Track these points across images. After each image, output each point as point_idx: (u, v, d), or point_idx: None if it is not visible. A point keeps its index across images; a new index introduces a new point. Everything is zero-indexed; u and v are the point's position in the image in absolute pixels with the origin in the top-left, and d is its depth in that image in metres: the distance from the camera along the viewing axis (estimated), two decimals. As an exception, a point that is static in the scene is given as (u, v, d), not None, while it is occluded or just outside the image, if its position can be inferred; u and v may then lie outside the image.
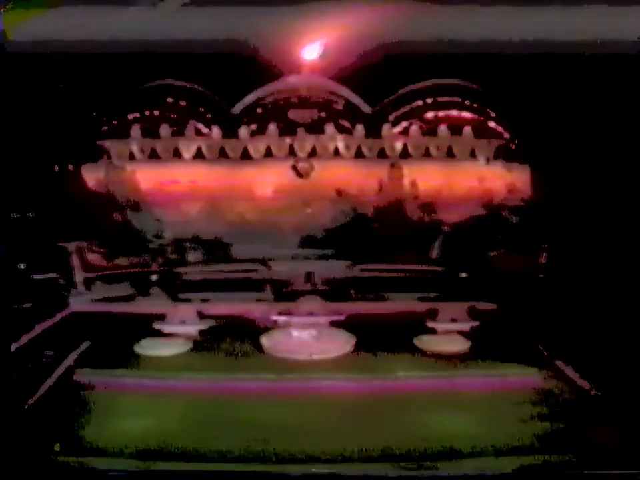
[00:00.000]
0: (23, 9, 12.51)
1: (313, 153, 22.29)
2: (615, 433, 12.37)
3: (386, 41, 15.80)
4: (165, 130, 22.23)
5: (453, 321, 18.83)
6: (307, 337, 18.14)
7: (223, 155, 22.56)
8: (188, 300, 20.26)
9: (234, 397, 14.71)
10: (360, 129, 22.49)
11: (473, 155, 22.33)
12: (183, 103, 22.46)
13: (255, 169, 22.51)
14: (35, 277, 19.39)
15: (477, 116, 22.39)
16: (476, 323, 18.62)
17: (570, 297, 17.77)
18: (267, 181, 22.53)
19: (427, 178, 22.23)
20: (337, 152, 22.48)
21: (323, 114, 22.63)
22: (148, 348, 17.60)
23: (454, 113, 22.41)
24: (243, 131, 22.48)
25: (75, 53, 14.66)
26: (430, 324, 18.78)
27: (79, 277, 20.97)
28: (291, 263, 21.74)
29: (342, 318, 18.83)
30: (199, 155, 22.47)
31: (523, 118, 20.84)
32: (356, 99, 22.61)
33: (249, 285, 20.96)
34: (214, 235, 22.18)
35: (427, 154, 22.34)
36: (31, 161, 18.78)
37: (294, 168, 22.21)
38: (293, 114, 22.61)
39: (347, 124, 22.62)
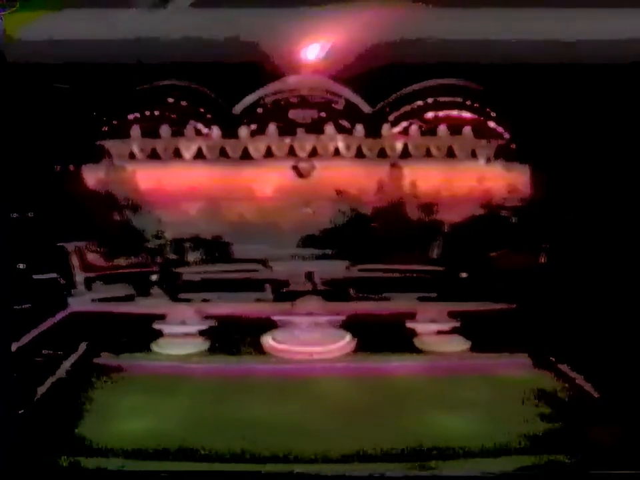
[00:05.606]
0: (26, 11, 12.54)
1: (313, 153, 22.34)
2: (615, 433, 12.42)
3: (386, 41, 15.83)
4: (165, 130, 22.28)
5: (452, 321, 18.85)
6: (307, 337, 18.17)
7: (223, 155, 22.61)
8: (188, 300, 20.31)
9: (233, 397, 14.74)
10: (360, 128, 22.54)
11: (473, 155, 22.39)
12: (183, 103, 22.51)
13: (255, 168, 22.55)
14: (35, 277, 19.41)
15: (477, 116, 22.44)
16: (476, 324, 18.64)
17: (570, 297, 17.81)
18: (267, 181, 22.58)
19: (427, 178, 22.27)
20: (337, 152, 22.53)
21: (323, 114, 22.69)
22: (163, 347, 17.88)
23: (454, 112, 22.47)
24: (243, 131, 22.53)
25: (76, 53, 14.71)
26: (429, 324, 18.81)
27: (79, 277, 21.01)
28: (290, 263, 21.78)
29: (342, 318, 18.86)
30: (199, 155, 22.52)
31: (523, 118, 20.88)
32: (356, 99, 22.67)
33: (249, 285, 21.00)
34: (214, 234, 22.23)
35: (427, 154, 22.40)
36: (31, 161, 18.80)
37: (294, 168, 22.26)
38: (293, 114, 22.65)
39: (346, 124, 22.67)
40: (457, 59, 17.32)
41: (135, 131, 22.19)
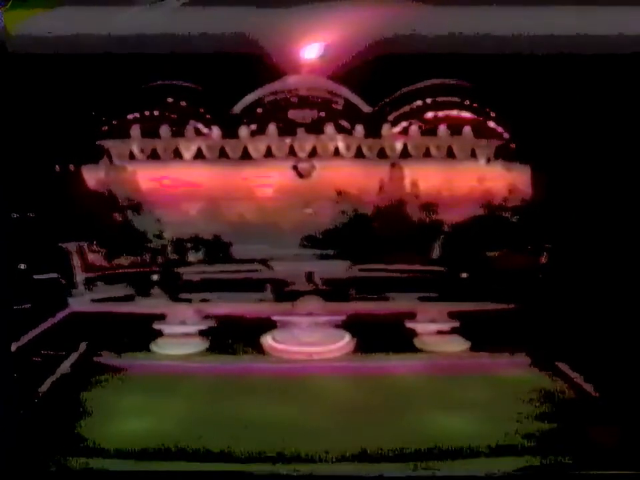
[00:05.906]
0: (24, 8, 12.52)
1: (313, 153, 22.35)
2: (614, 433, 12.42)
3: (386, 41, 15.82)
4: (165, 130, 22.31)
5: (452, 321, 18.86)
6: (307, 337, 18.18)
7: (223, 155, 22.64)
8: (188, 300, 20.32)
9: (233, 397, 14.75)
10: (360, 129, 22.55)
11: (472, 155, 22.40)
12: (183, 103, 22.55)
13: (255, 168, 22.57)
14: (36, 277, 19.43)
15: (476, 116, 22.45)
16: (476, 324, 18.64)
17: (570, 297, 17.80)
18: (267, 181, 22.60)
19: (427, 178, 22.27)
20: (337, 152, 22.54)
21: (322, 114, 22.71)
22: (162, 347, 17.95)
23: (454, 113, 22.48)
24: (243, 131, 22.55)
25: (75, 53, 14.73)
26: (429, 324, 18.82)
27: (80, 277, 21.02)
28: (291, 263, 21.76)
29: (342, 318, 18.87)
30: (199, 155, 22.55)
31: (523, 118, 20.86)
32: (356, 99, 22.69)
33: (250, 285, 21.00)
34: (214, 235, 22.23)
35: (427, 154, 22.41)
36: (31, 161, 18.80)
37: (294, 168, 22.27)
38: (292, 114, 22.68)
39: (346, 124, 22.68)
40: (457, 57, 17.31)
41: (135, 130, 22.22)
